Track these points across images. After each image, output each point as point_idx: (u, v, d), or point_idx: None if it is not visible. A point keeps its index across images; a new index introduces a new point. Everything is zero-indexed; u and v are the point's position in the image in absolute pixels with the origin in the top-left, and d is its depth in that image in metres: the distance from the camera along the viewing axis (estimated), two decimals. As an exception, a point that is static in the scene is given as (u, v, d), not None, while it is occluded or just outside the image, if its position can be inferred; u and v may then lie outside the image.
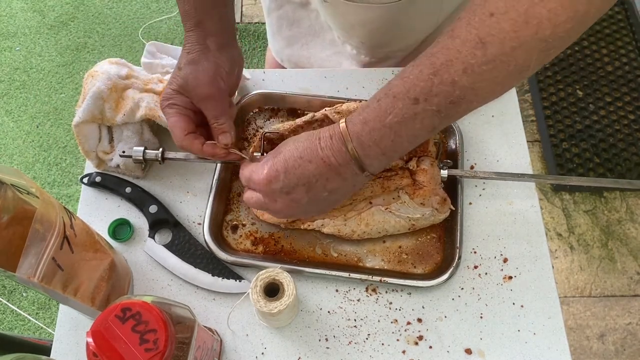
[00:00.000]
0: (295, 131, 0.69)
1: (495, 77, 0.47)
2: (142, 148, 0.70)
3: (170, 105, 0.65)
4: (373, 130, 0.51)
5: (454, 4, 0.83)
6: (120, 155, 0.70)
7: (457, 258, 0.67)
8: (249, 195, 0.61)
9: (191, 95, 0.64)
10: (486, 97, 0.49)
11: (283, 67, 1.04)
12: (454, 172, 0.70)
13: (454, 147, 0.75)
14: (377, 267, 0.69)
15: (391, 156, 0.53)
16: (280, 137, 0.69)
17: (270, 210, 0.60)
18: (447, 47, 0.47)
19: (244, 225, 0.72)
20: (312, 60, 0.95)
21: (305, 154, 0.55)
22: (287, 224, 0.69)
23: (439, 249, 0.70)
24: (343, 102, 0.70)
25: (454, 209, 0.69)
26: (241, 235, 0.71)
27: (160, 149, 0.70)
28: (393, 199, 0.68)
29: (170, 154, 0.71)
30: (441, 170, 0.69)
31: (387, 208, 0.67)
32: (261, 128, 0.78)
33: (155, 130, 0.75)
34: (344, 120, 0.54)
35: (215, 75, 0.63)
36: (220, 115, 0.64)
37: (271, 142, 0.70)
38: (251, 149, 0.73)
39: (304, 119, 0.70)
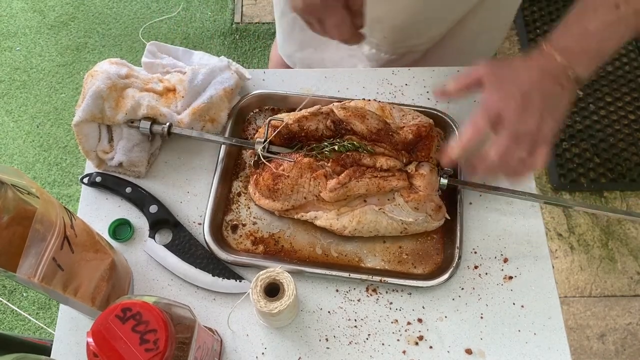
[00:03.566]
0: (300, 121, 0.70)
1: None
2: (150, 121, 0.71)
3: (328, 4, 0.62)
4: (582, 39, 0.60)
5: None
6: (129, 125, 0.72)
7: (457, 258, 0.67)
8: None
9: None
10: None
11: (288, 67, 1.03)
12: (454, 182, 0.70)
13: (454, 147, 0.75)
14: (378, 267, 0.69)
15: (599, 59, 0.62)
16: (285, 126, 0.69)
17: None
18: None
19: (244, 225, 0.72)
20: (326, 62, 0.94)
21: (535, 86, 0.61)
22: (281, 212, 0.70)
23: (439, 249, 0.70)
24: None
25: (448, 217, 0.69)
26: (241, 235, 0.71)
27: (168, 123, 0.71)
28: (388, 199, 0.68)
29: (176, 130, 0.72)
30: (441, 179, 0.69)
31: (380, 208, 0.67)
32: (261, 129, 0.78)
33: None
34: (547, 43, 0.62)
35: None
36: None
37: (275, 130, 0.70)
38: (256, 135, 0.74)
39: (309, 110, 0.71)
